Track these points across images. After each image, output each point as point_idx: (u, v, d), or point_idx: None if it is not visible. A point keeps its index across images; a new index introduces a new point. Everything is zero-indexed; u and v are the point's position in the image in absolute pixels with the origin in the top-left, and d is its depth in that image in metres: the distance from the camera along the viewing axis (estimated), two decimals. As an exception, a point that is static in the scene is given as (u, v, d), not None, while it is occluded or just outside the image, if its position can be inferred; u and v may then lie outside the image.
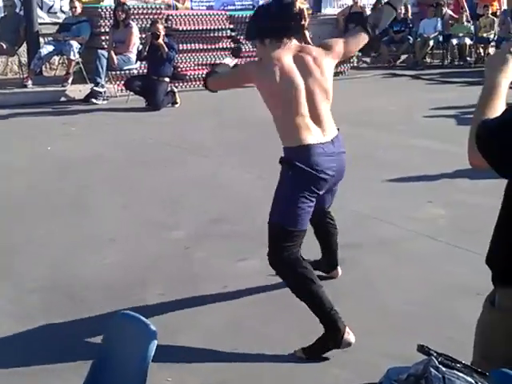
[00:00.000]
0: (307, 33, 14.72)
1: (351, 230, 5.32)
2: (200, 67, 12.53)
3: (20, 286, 4.37)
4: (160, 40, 9.96)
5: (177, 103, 10.52)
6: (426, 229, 5.33)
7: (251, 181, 6.62)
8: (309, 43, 14.21)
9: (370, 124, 9.22)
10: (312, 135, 3.59)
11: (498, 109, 2.02)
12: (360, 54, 14.36)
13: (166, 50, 9.99)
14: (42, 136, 8.55)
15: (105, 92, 10.83)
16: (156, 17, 12.06)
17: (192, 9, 14.39)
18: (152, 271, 4.58)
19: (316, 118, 3.65)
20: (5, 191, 6.29)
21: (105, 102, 10.74)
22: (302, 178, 3.56)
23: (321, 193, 3.68)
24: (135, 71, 11.20)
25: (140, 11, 12.22)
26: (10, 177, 6.75)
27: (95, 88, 10.72)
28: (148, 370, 2.03)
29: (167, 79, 10.37)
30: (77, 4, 11.71)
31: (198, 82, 12.35)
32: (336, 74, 13.69)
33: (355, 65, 14.25)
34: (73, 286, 4.38)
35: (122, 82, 10.90)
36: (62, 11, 13.11)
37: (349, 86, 12.92)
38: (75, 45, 11.23)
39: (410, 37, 15.44)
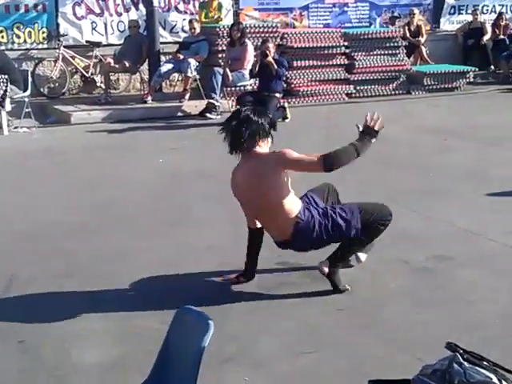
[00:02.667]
0: (424, 49, 14.76)
1: (447, 242, 5.33)
2: (313, 83, 12.70)
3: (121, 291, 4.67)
4: (269, 58, 10.19)
5: (287, 118, 10.74)
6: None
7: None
8: (426, 60, 14.22)
9: (480, 138, 9.09)
10: None
11: None
12: (477, 69, 14.12)
13: (276, 67, 10.21)
14: (156, 149, 8.97)
15: (219, 107, 11.20)
16: (272, 35, 12.37)
17: (309, 27, 14.62)
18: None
19: None
20: (114, 200, 6.68)
21: (218, 117, 11.09)
22: None
23: None
24: (249, 87, 11.51)
25: (256, 29, 12.55)
26: (125, 187, 7.15)
27: (211, 100, 11.11)
28: (202, 358, 2.20)
29: (278, 95, 10.60)
30: (196, 25, 12.17)
31: (310, 98, 12.57)
32: (451, 89, 13.63)
33: (472, 80, 14.00)
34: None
35: (235, 98, 11.22)
36: (184, 31, 13.65)
37: (464, 101, 12.77)
38: (193, 63, 11.67)
39: (531, 51, 15.02)
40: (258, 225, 4.59)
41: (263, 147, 4.48)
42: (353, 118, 10.78)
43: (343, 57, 13.04)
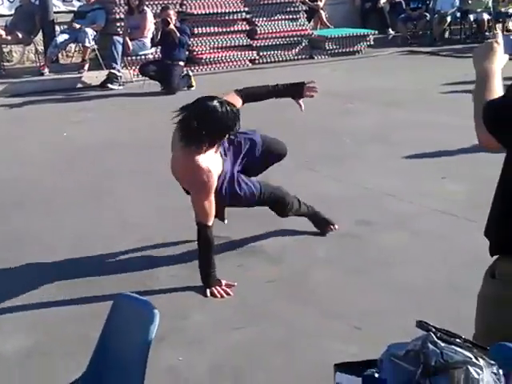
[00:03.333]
0: (323, 13, 14.75)
1: (366, 207, 5.31)
2: (216, 50, 12.49)
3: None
4: (171, 26, 9.91)
5: (192, 86, 10.50)
6: (442, 205, 5.29)
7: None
8: (326, 24, 14.24)
9: (388, 102, 9.15)
10: None
11: (497, 90, 2.04)
12: (376, 32, 14.23)
13: (178, 35, 9.94)
14: (58, 122, 8.59)
15: (120, 77, 10.84)
16: (171, 1, 12.05)
17: (207, -8, 14.33)
18: (165, 254, 4.60)
19: None
20: (17, 177, 6.33)
21: (121, 87, 10.76)
22: None
23: None
24: (150, 56, 11.19)
25: (154, -4, 12.20)
26: (25, 163, 6.79)
27: (112, 73, 10.73)
28: (149, 351, 2.04)
29: (182, 63, 10.36)
30: (92, -8, 11.74)
31: (213, 65, 12.36)
32: (352, 52, 13.70)
33: (372, 43, 14.11)
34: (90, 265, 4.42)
35: (138, 67, 10.90)
36: (77, -1, 13.15)
37: (365, 64, 12.85)
38: (90, 32, 11.25)
39: (427, 14, 15.27)
40: None
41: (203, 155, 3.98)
42: (256, 83, 10.86)
43: (244, 22, 12.87)
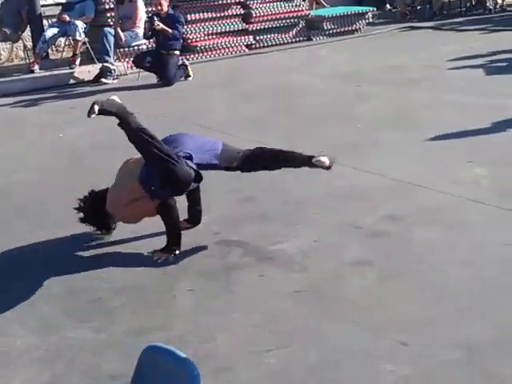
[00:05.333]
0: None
1: (392, 200, 4.91)
2: (210, 37, 12.04)
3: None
4: (159, 27, 9.44)
5: (190, 76, 10.07)
6: (473, 193, 4.88)
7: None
8: (321, 3, 13.84)
9: (395, 82, 8.74)
10: None
11: None
12: (375, 9, 13.78)
13: (170, 30, 9.47)
14: (53, 122, 8.16)
15: (114, 71, 10.39)
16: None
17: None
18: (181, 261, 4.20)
19: None
20: (14, 184, 5.91)
21: (115, 81, 10.31)
22: None
23: None
24: (144, 47, 10.74)
25: (144, -17, 11.73)
26: (21, 168, 6.36)
27: (105, 66, 10.28)
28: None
29: (177, 52, 9.92)
30: (79, -18, 11.27)
31: (209, 53, 11.92)
32: (351, 31, 13.25)
33: (370, 20, 13.66)
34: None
35: (132, 59, 10.46)
36: (64, -10, 12.67)
37: (366, 43, 12.44)
38: (80, 25, 10.78)
39: (425, -13, 14.83)
40: None
41: None
42: (257, 70, 10.48)
43: (239, 6, 12.40)
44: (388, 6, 15.06)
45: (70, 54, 11.20)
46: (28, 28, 11.47)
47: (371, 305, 3.57)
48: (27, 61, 11.49)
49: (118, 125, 4.18)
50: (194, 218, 4.51)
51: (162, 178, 4.16)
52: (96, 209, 4.48)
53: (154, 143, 4.13)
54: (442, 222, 4.50)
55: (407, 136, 6.37)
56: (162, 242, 4.34)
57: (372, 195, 5.03)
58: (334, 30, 13.11)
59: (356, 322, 3.41)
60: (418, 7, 14.92)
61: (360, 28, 13.41)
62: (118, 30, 10.28)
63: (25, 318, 3.68)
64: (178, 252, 4.29)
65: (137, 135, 4.15)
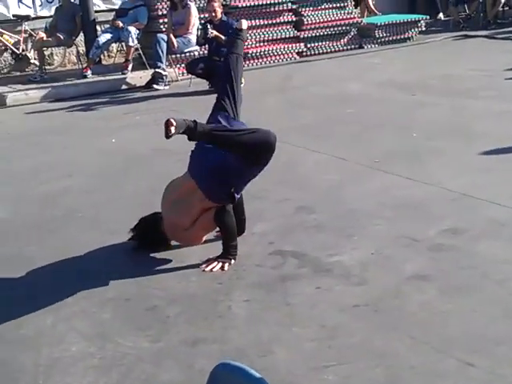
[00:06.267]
0: (370, 0, 14.15)
1: (451, 213, 4.78)
2: (262, 43, 12.02)
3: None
4: (213, 34, 9.38)
5: (242, 83, 10.00)
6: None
7: (327, 164, 6.11)
8: (373, 11, 13.72)
9: (450, 91, 8.59)
10: None
11: None
12: (428, 18, 13.58)
13: (223, 37, 9.43)
14: (105, 128, 8.19)
15: (166, 77, 10.41)
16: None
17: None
18: (236, 271, 4.14)
19: None
20: (66, 189, 5.92)
21: (166, 87, 10.33)
22: None
23: None
24: (196, 53, 10.75)
25: (197, -10, 11.76)
26: (74, 173, 6.38)
27: (157, 72, 10.31)
28: None
29: (230, 59, 9.87)
30: (135, -12, 11.35)
31: (261, 60, 11.88)
32: (403, 39, 13.08)
33: (423, 29, 13.48)
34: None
35: (184, 65, 10.47)
36: (118, -4, 12.78)
37: (419, 51, 12.28)
38: (133, 31, 10.85)
39: (479, -5, 14.59)
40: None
41: None
42: (308, 77, 10.40)
43: (290, 13, 12.36)
44: (441, 14, 14.84)
45: (123, 60, 11.29)
46: (81, 33, 11.58)
47: (433, 321, 3.45)
48: (80, 66, 11.60)
49: (189, 139, 4.07)
50: (239, 227, 4.44)
51: (249, 152, 4.08)
52: (152, 234, 4.44)
53: (229, 133, 4.14)
54: (506, 236, 4.36)
55: (464, 146, 6.23)
56: (214, 250, 4.28)
57: (430, 207, 4.90)
58: (386, 38, 12.99)
59: (417, 339, 3.30)
60: (472, 16, 14.69)
61: (412, 36, 13.26)
62: (171, 36, 10.31)
63: (80, 324, 3.64)
64: (233, 261, 4.23)
65: (214, 139, 4.09)
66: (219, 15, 9.64)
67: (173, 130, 3.83)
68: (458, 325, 3.39)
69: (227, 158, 4.13)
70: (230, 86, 4.50)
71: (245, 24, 4.81)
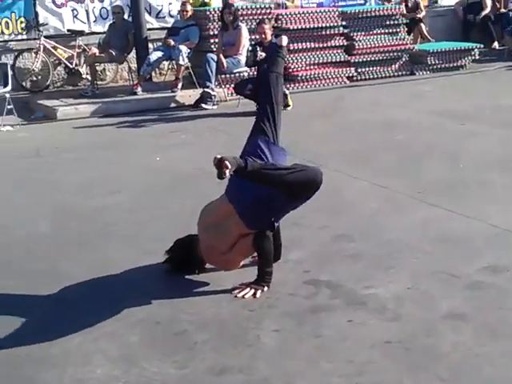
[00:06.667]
0: (423, 26, 14.02)
1: (495, 249, 4.65)
2: (312, 67, 12.00)
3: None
4: (262, 57, 9.36)
5: (289, 106, 10.01)
6: None
7: (369, 192, 6.03)
8: (427, 37, 13.59)
9: (502, 121, 8.42)
10: None
11: None
12: (482, 46, 13.39)
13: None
14: (151, 146, 8.24)
15: (214, 96, 10.45)
16: (266, 16, 11.61)
17: (302, 6, 13.91)
18: (268, 299, 4.08)
19: None
20: (107, 206, 5.95)
21: (214, 107, 10.38)
22: None
23: None
24: (245, 74, 10.77)
25: (248, 11, 11.81)
26: (116, 190, 6.41)
27: (205, 92, 10.36)
28: None
29: (279, 81, 9.85)
30: (188, 7, 11.46)
31: (310, 83, 11.85)
32: (456, 67, 12.91)
33: (477, 57, 13.29)
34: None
35: (232, 86, 10.51)
36: (171, 15, 12.93)
37: (471, 80, 12.11)
38: (184, 49, 10.94)
39: (535, 24, 14.34)
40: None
41: None
42: (357, 102, 10.32)
43: (342, 37, 12.32)
44: (496, 43, 14.62)
45: (173, 78, 11.37)
46: (133, 50, 11.72)
47: (465, 363, 3.34)
48: (131, 82, 11.73)
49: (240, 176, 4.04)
50: (275, 253, 4.37)
51: (296, 190, 4.08)
52: (187, 257, 4.41)
53: (279, 172, 4.06)
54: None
55: (513, 181, 6.09)
56: (249, 276, 4.24)
57: (472, 242, 4.78)
58: (439, 66, 12.84)
59: (447, 382, 3.19)
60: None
61: (465, 64, 13.08)
62: (221, 56, 10.36)
63: (107, 345, 3.62)
64: (266, 288, 4.17)
65: (263, 178, 4.04)
66: (269, 37, 9.64)
67: (227, 172, 3.79)
68: (491, 369, 3.27)
69: (271, 191, 4.09)
70: (270, 107, 4.45)
71: (285, 40, 4.76)
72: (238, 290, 4.17)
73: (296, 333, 3.70)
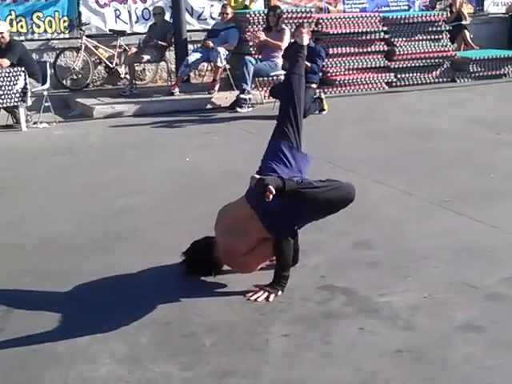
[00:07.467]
0: (467, 33, 13.83)
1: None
2: (351, 72, 11.92)
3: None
4: None
5: (324, 110, 9.96)
6: None
7: (394, 199, 5.95)
8: (471, 45, 13.39)
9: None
10: None
11: None
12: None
13: (309, 64, 9.35)
14: (183, 146, 8.27)
15: (250, 99, 10.45)
16: (306, 21, 11.59)
17: (344, 11, 13.86)
18: (280, 303, 4.04)
19: None
20: (131, 208, 5.97)
21: (250, 109, 10.37)
22: None
23: None
24: (282, 77, 10.71)
25: (290, 15, 11.79)
26: (139, 192, 6.42)
27: (241, 95, 10.36)
28: None
29: (314, 85, 9.82)
30: (229, 10, 11.49)
31: (348, 88, 11.78)
32: (498, 75, 12.69)
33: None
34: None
35: (269, 89, 10.48)
36: (212, 17, 13.00)
37: (513, 89, 11.90)
38: (222, 51, 10.97)
39: None
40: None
41: None
42: (394, 108, 10.21)
43: (382, 43, 12.23)
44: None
45: (211, 79, 11.40)
46: (172, 51, 11.79)
47: (476, 376, 3.25)
48: (170, 83, 11.79)
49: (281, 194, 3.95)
50: (293, 257, 4.32)
51: (325, 206, 4.05)
52: (204, 258, 4.38)
53: (314, 190, 3.97)
54: None
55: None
56: (265, 279, 4.21)
57: (494, 253, 4.67)
58: (480, 73, 12.65)
59: None
60: None
61: (509, 73, 12.87)
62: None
63: (115, 345, 3.62)
64: (280, 293, 4.13)
65: (300, 197, 3.96)
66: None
67: (271, 197, 3.77)
68: (501, 383, 3.18)
69: (302, 204, 4.04)
70: (293, 111, 4.40)
71: (306, 39, 4.71)
72: (251, 293, 4.14)
73: (305, 338, 3.65)
